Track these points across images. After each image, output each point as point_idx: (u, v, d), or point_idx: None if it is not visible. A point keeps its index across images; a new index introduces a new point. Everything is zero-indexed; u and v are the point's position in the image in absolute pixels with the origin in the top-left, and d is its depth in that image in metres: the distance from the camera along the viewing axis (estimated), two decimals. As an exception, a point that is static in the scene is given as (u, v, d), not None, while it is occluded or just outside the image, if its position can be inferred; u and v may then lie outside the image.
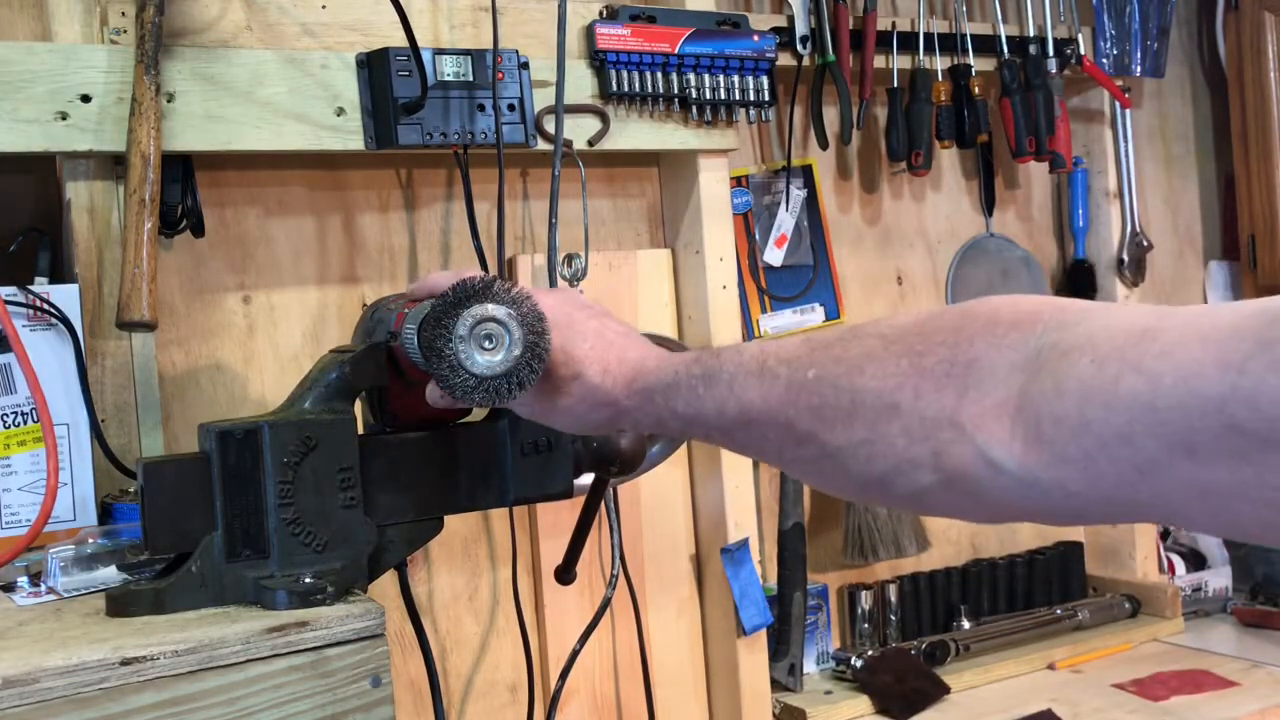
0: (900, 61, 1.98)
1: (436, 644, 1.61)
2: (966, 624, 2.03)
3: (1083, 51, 2.12)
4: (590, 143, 1.63)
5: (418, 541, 1.05)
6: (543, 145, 1.59)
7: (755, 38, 1.73)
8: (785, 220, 1.94)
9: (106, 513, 1.28)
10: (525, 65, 1.57)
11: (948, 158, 2.15)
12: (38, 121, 1.29)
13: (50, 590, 1.02)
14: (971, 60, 2.02)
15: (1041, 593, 2.14)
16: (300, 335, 1.57)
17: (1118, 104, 2.22)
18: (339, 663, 0.87)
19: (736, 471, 1.73)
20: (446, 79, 1.50)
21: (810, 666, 1.91)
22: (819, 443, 0.73)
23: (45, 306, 1.26)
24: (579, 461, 1.11)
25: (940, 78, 1.99)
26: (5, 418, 1.23)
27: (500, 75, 1.53)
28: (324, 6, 1.51)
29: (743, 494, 1.74)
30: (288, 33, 1.49)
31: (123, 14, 1.36)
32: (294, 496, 0.94)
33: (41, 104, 1.29)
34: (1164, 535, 2.29)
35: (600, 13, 1.67)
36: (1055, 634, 2.07)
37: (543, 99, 1.59)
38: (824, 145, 1.91)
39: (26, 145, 1.29)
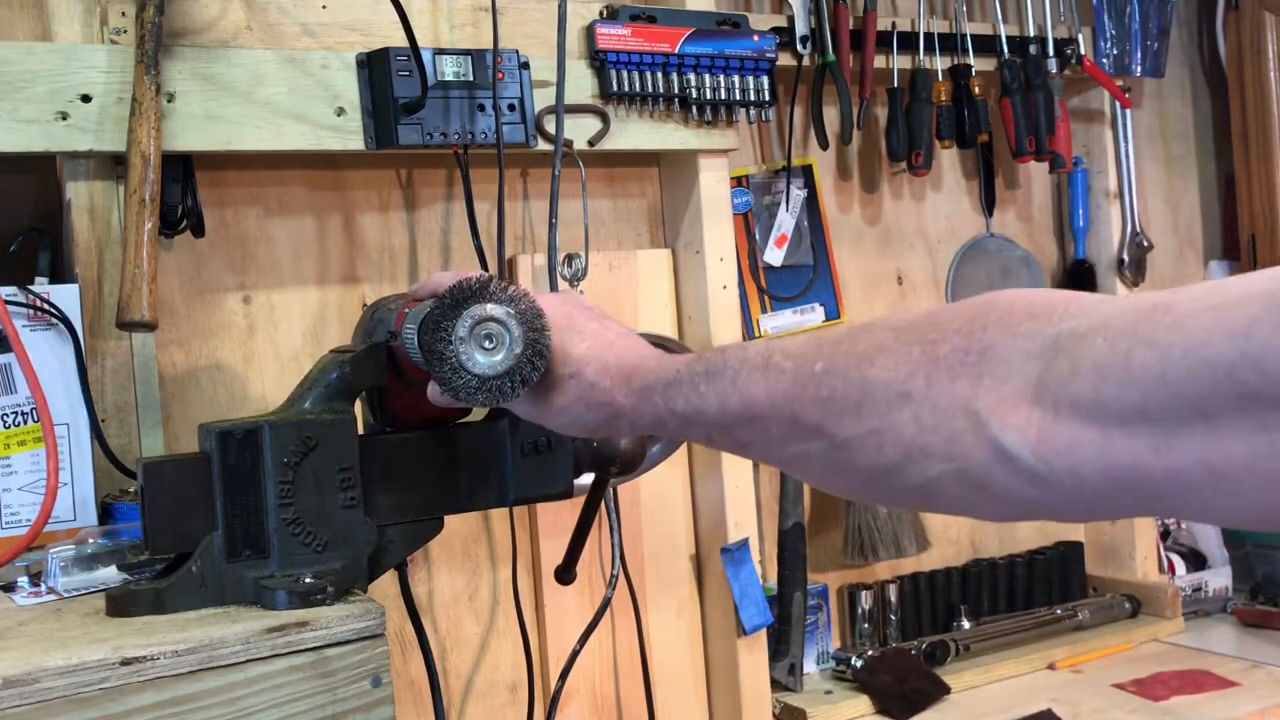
0: (900, 61, 1.98)
1: (436, 644, 1.61)
2: (966, 624, 2.03)
3: (1083, 51, 2.12)
4: (590, 143, 1.63)
5: (418, 541, 1.04)
6: (543, 145, 1.59)
7: (755, 38, 1.73)
8: (785, 220, 1.94)
9: (106, 513, 1.27)
10: (525, 65, 1.57)
11: (948, 158, 2.15)
12: (38, 121, 1.29)
13: (50, 590, 1.02)
14: (972, 60, 2.01)
15: (1041, 593, 2.14)
16: (300, 335, 1.57)
17: (1118, 104, 2.22)
18: (339, 663, 0.87)
19: (736, 471, 1.73)
20: (447, 79, 1.50)
21: (810, 666, 1.91)
22: (826, 435, 0.71)
23: (45, 306, 1.26)
24: (579, 461, 1.11)
25: (940, 78, 1.99)
26: (5, 418, 1.23)
27: (500, 75, 1.53)
28: (324, 6, 1.51)
29: (743, 494, 1.74)
30: (288, 33, 1.49)
31: (123, 14, 1.36)
32: (294, 496, 0.94)
33: (42, 104, 1.29)
34: (1164, 535, 2.29)
35: (600, 13, 1.67)
36: (1055, 634, 2.06)
37: (543, 99, 1.59)
38: (824, 145, 1.91)
39: (27, 145, 1.29)
